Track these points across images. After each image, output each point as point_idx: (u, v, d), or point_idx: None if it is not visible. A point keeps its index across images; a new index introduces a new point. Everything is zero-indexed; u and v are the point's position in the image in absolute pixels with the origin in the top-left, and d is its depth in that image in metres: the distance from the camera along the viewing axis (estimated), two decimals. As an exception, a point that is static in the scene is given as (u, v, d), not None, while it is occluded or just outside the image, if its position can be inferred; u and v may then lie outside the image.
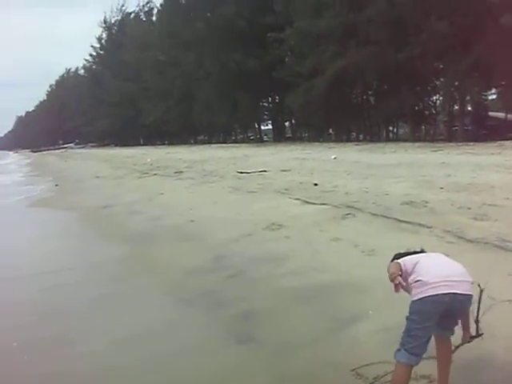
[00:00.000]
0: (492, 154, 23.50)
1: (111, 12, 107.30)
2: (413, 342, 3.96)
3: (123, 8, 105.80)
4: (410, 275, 4.11)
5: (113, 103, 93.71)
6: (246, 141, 72.50)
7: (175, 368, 5.66)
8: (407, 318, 4.05)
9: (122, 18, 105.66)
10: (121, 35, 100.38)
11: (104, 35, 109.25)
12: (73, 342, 6.59)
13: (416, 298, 3.97)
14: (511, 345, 4.94)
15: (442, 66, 44.44)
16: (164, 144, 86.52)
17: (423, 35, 36.88)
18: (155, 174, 26.99)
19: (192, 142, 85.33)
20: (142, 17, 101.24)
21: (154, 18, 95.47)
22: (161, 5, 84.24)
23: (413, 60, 38.40)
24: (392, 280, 4.04)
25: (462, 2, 34.34)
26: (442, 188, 13.86)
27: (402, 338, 4.07)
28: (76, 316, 7.60)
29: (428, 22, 36.14)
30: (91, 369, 5.85)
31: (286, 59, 53.01)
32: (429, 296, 3.89)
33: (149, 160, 39.51)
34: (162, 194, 19.17)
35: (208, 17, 62.35)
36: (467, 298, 4.01)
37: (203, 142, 79.69)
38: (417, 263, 4.15)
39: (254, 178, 20.37)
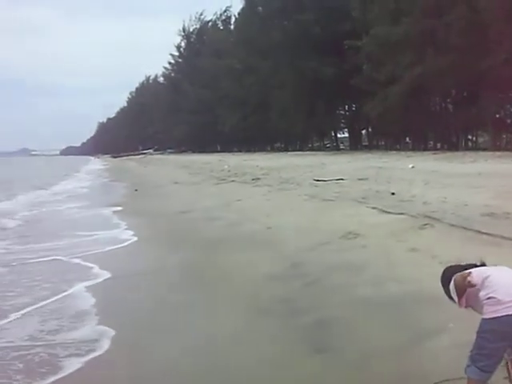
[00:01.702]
0: None
1: (190, 21, 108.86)
2: (485, 361, 3.81)
3: (201, 17, 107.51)
4: (479, 290, 3.91)
5: (191, 110, 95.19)
6: (322, 149, 72.24)
7: (252, 377, 5.71)
8: (478, 335, 3.90)
9: (201, 26, 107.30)
10: (199, 43, 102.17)
11: (182, 43, 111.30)
12: (146, 349, 6.72)
13: (489, 317, 3.79)
14: None
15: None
16: (241, 151, 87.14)
17: (507, 41, 35.94)
18: (232, 181, 27.30)
19: (269, 149, 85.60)
20: (220, 25, 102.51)
21: (231, 27, 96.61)
22: (238, 13, 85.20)
23: (495, 67, 37.44)
24: (465, 285, 3.83)
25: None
26: (525, 199, 13.46)
27: (471, 353, 3.93)
28: (149, 322, 7.78)
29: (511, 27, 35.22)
30: (165, 375, 5.98)
31: (363, 67, 52.59)
32: (505, 316, 3.71)
33: (226, 167, 39.94)
34: (239, 200, 19.39)
35: (284, 25, 62.71)
36: None
37: (280, 150, 79.86)
38: (487, 277, 3.93)
39: (331, 186, 20.32)
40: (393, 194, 16.40)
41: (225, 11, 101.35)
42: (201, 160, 58.59)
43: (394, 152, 47.64)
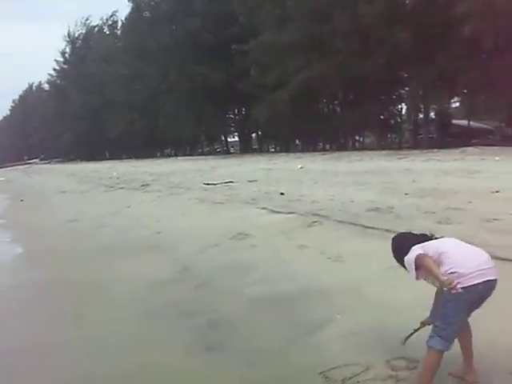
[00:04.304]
0: (455, 159, 23.86)
1: (75, 26, 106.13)
2: (448, 329, 4.13)
3: (87, 22, 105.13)
4: (438, 265, 4.16)
5: (77, 117, 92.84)
6: (212, 153, 72.58)
7: (146, 380, 5.60)
8: (443, 306, 4.18)
9: (86, 31, 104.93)
10: (85, 49, 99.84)
11: (67, 49, 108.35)
12: (41, 354, 6.46)
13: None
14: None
15: (406, 75, 45.03)
16: (130, 158, 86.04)
17: (386, 45, 37.33)
18: (121, 188, 26.81)
19: (158, 155, 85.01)
20: (106, 30, 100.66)
21: (118, 32, 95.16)
22: (125, 18, 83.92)
23: (377, 70, 38.77)
24: (450, 284, 3.97)
25: (425, 13, 34.85)
26: (407, 194, 14.02)
27: (436, 324, 4.22)
28: (40, 329, 7.42)
29: (391, 32, 36.62)
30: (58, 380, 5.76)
31: (251, 71, 53.07)
32: (467, 286, 4.00)
33: (115, 174, 39.28)
34: (128, 207, 19.05)
35: (173, 30, 62.35)
36: (495, 283, 4.18)
37: (169, 155, 79.45)
38: (443, 253, 4.21)
39: (221, 189, 20.37)
40: (282, 194, 16.59)
41: (111, 16, 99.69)
42: (89, 168, 57.37)
43: (284, 154, 48.46)
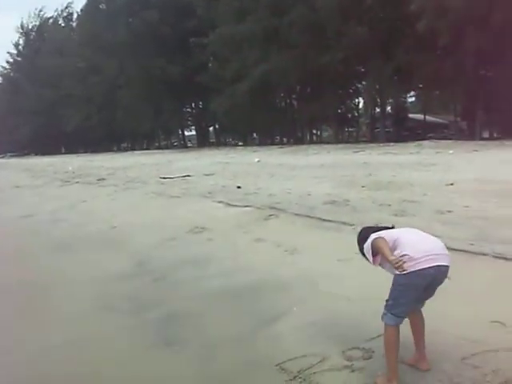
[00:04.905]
0: (411, 153, 24.21)
1: (29, 17, 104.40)
2: (398, 308, 4.24)
3: (41, 13, 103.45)
4: (392, 250, 4.25)
5: (32, 111, 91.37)
6: (169, 147, 72.27)
7: (103, 374, 5.49)
8: (393, 288, 4.29)
9: (40, 23, 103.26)
10: (39, 41, 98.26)
11: (21, 41, 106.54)
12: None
13: (403, 273, 4.13)
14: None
15: (363, 70, 45.49)
16: (86, 152, 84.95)
17: (344, 40, 37.62)
18: (77, 182, 26.45)
19: (115, 149, 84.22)
20: (61, 22, 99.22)
21: (73, 24, 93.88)
22: (81, 10, 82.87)
23: (335, 64, 39.06)
24: (398, 264, 4.06)
25: (382, 8, 35.26)
26: (363, 187, 14.18)
27: (387, 303, 4.32)
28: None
29: (348, 26, 36.93)
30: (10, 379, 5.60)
31: (209, 64, 52.89)
32: (417, 270, 4.09)
33: (70, 168, 38.77)
34: (84, 201, 18.78)
35: (130, 22, 61.67)
36: (447, 269, 4.27)
37: (126, 149, 78.76)
38: (397, 239, 4.32)
39: (178, 182, 20.30)
40: (239, 187, 16.61)
41: (66, 7, 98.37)
42: (44, 162, 56.50)
43: (241, 147, 48.53)
